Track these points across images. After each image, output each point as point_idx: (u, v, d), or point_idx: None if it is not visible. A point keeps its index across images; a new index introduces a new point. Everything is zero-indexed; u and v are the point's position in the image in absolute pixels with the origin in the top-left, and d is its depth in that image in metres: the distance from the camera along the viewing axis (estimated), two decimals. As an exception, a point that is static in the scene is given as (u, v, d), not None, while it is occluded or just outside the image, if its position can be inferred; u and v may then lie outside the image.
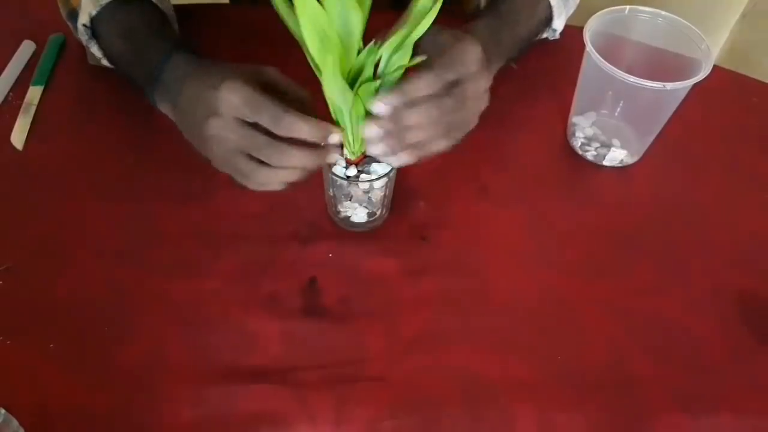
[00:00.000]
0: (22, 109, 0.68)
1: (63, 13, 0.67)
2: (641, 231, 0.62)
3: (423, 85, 0.48)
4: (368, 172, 0.55)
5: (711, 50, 0.60)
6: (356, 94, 0.47)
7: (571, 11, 0.72)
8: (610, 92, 0.65)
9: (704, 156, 0.69)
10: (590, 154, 0.67)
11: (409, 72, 0.49)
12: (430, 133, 0.49)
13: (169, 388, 0.50)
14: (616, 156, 0.66)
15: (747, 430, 0.51)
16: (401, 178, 0.59)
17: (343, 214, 0.59)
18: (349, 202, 0.57)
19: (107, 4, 0.62)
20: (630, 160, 0.67)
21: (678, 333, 0.55)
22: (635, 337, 0.55)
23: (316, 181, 0.58)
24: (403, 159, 0.50)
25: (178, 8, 0.70)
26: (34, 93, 0.69)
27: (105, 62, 0.67)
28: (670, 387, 0.52)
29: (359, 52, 0.46)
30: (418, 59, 0.49)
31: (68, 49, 0.74)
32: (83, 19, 0.63)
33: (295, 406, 0.50)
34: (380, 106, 0.47)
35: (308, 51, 0.46)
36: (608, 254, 0.60)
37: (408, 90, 0.47)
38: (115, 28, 0.63)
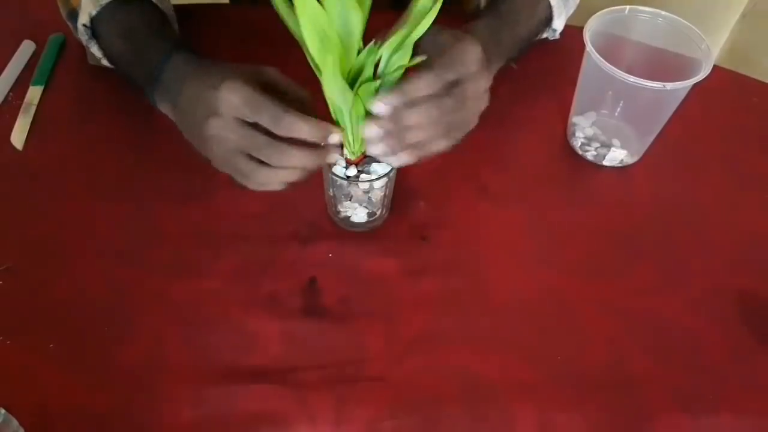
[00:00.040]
0: (22, 109, 0.68)
1: (63, 13, 0.67)
2: (641, 231, 0.62)
3: (423, 85, 0.48)
4: (368, 172, 0.55)
5: (711, 50, 0.60)
6: (356, 94, 0.47)
7: (571, 11, 0.72)
8: (610, 92, 0.65)
9: (704, 156, 0.69)
10: (590, 154, 0.67)
11: (409, 72, 0.49)
12: (430, 133, 0.49)
13: (169, 388, 0.50)
14: (616, 156, 0.66)
15: (747, 430, 0.51)
16: (401, 178, 0.59)
17: (343, 214, 0.59)
18: (349, 202, 0.57)
19: (107, 4, 0.62)
20: (630, 160, 0.67)
21: (678, 333, 0.55)
22: (635, 337, 0.55)
23: (316, 181, 0.58)
24: (403, 159, 0.50)
25: (178, 8, 0.70)
26: (34, 93, 0.69)
27: (105, 62, 0.67)
28: (670, 387, 0.52)
29: (359, 52, 0.46)
30: (418, 59, 0.49)
31: (68, 49, 0.74)
32: (83, 19, 0.63)
33: (295, 406, 0.50)
34: (380, 106, 0.47)
35: (308, 51, 0.46)
36: (608, 254, 0.60)
37: (408, 90, 0.47)
38: (115, 28, 0.63)
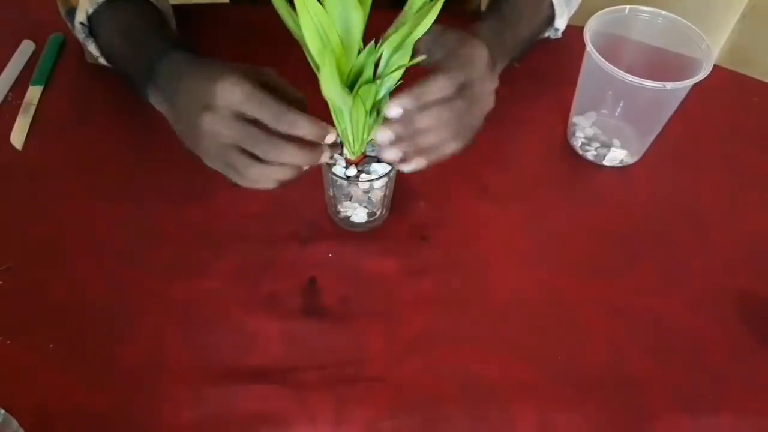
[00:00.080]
0: (21, 108, 0.68)
1: (62, 11, 0.67)
2: (641, 231, 0.62)
3: (436, 88, 0.48)
4: (368, 172, 0.55)
5: (711, 50, 0.60)
6: (356, 94, 0.47)
7: (573, 10, 0.72)
8: (611, 92, 0.65)
9: (704, 156, 0.69)
10: (590, 154, 0.67)
11: (408, 71, 0.49)
12: (441, 136, 0.50)
13: (169, 388, 0.50)
14: (616, 156, 0.66)
15: (747, 430, 0.51)
16: (401, 178, 0.59)
17: (343, 214, 0.59)
18: (349, 202, 0.57)
19: (104, 2, 0.62)
20: (630, 160, 0.67)
21: (678, 333, 0.55)
22: (635, 337, 0.55)
23: (316, 181, 0.58)
24: (417, 164, 0.51)
25: (177, 8, 0.70)
26: (33, 93, 0.69)
27: (102, 60, 0.67)
28: (670, 387, 0.52)
29: (359, 52, 0.46)
30: (419, 59, 0.49)
31: (68, 48, 0.74)
32: (80, 16, 0.63)
33: (295, 407, 0.50)
34: (395, 110, 0.47)
35: (308, 51, 0.46)
36: (608, 254, 0.60)
37: (421, 93, 0.48)
38: (112, 26, 0.63)
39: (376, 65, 0.48)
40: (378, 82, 0.48)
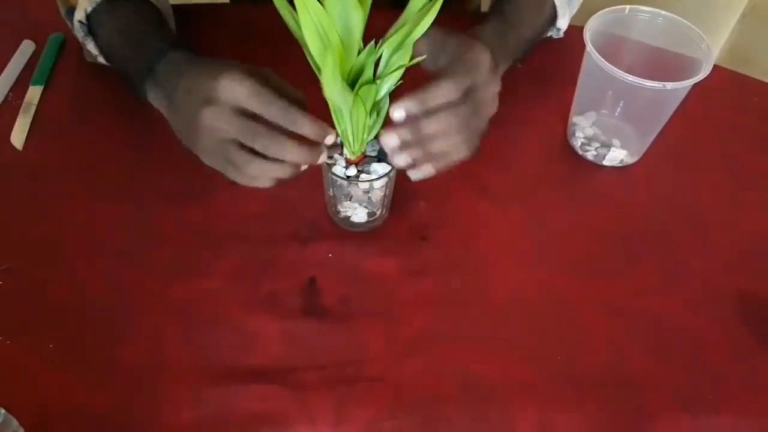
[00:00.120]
0: (21, 108, 0.68)
1: (62, 10, 0.67)
2: (641, 231, 0.62)
3: (441, 93, 0.48)
4: (368, 172, 0.55)
5: (711, 50, 0.60)
6: (356, 94, 0.47)
7: (575, 10, 0.72)
8: (611, 92, 0.65)
9: (704, 156, 0.69)
10: (590, 154, 0.67)
11: (409, 72, 0.49)
12: (450, 142, 0.50)
13: (169, 388, 0.50)
14: (616, 156, 0.66)
15: (747, 430, 0.51)
16: (401, 178, 0.59)
17: (343, 214, 0.59)
18: (349, 202, 0.57)
19: (103, 1, 0.62)
20: (630, 160, 0.67)
21: (678, 333, 0.55)
22: (635, 337, 0.55)
23: (316, 181, 0.58)
24: (427, 171, 0.51)
25: (177, 8, 0.70)
26: (33, 93, 0.69)
27: (101, 59, 0.67)
28: (670, 387, 0.52)
29: (359, 52, 0.46)
30: (419, 59, 0.49)
31: (68, 48, 0.74)
32: (79, 15, 0.63)
33: (295, 407, 0.50)
34: (399, 112, 0.48)
35: (308, 51, 0.46)
36: (608, 254, 0.60)
37: (426, 98, 0.48)
38: (111, 24, 0.63)
39: (376, 65, 0.48)
40: (378, 82, 0.48)
